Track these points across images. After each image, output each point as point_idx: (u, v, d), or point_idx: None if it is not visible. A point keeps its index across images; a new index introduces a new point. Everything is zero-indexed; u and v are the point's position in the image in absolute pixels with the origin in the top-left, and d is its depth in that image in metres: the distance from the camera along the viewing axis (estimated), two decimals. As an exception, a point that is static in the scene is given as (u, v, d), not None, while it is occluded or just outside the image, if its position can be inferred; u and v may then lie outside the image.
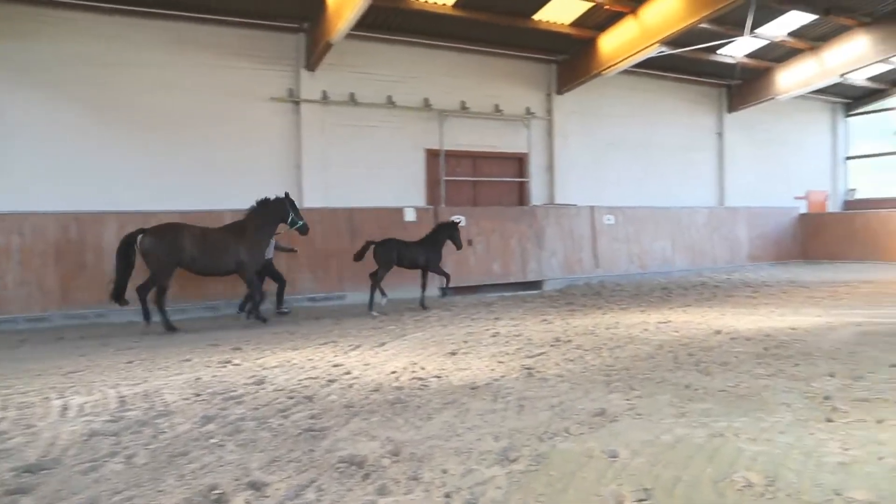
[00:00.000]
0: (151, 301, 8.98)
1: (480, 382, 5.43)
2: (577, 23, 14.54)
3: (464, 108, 15.25)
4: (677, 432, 4.02)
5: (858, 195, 22.86)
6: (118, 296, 8.85)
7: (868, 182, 22.94)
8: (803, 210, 20.91)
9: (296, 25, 13.32)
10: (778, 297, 11.13)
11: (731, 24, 14.97)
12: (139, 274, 9.05)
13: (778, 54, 17.79)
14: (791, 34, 16.39)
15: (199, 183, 12.55)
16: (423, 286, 11.07)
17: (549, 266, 13.99)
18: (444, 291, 12.64)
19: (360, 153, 14.17)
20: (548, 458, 3.65)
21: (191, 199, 11.99)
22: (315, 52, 12.80)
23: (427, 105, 14.83)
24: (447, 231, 10.97)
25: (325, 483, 3.38)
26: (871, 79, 20.26)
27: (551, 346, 7.04)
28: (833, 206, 22.58)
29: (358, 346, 7.32)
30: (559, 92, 16.40)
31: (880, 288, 12.06)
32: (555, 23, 14.40)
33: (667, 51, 15.01)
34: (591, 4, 13.62)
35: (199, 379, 5.80)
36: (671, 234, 16.57)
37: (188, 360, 6.69)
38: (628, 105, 17.89)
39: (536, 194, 16.20)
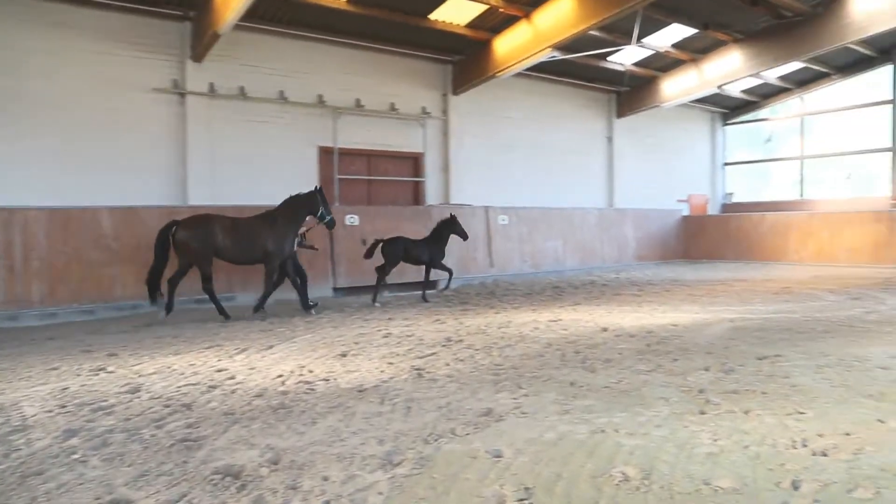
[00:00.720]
0: (172, 291, 9.37)
1: (369, 384, 5.31)
2: (473, 24, 14.66)
3: (359, 105, 15.04)
4: (560, 429, 4.06)
5: (735, 199, 24.40)
6: (152, 285, 9.19)
7: (743, 186, 24.55)
8: (685, 212, 22.08)
9: (181, 13, 12.66)
10: (661, 295, 11.63)
11: (619, 33, 15.56)
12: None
13: (663, 64, 18.67)
14: (674, 46, 17.25)
15: (69, 176, 11.70)
16: (426, 281, 11.70)
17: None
18: (334, 291, 12.45)
19: (250, 149, 13.67)
20: (432, 460, 3.59)
21: (59, 194, 11.18)
22: (202, 43, 12.22)
23: (321, 102, 14.51)
24: (448, 227, 11.54)
25: (196, 497, 3.18)
26: (745, 91, 21.70)
27: (443, 346, 7.01)
28: (712, 209, 23.98)
29: (244, 350, 7.02)
30: (455, 92, 16.49)
31: (752, 286, 12.85)
32: (451, 23, 14.46)
33: (559, 56, 15.40)
34: (486, 7, 13.76)
35: (65, 389, 5.35)
36: (563, 234, 17.03)
37: (55, 369, 6.17)
38: (523, 108, 18.25)
39: (432, 194, 16.23)
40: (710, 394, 4.78)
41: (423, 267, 11.74)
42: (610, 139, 20.45)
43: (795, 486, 3.14)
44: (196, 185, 12.84)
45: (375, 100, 15.32)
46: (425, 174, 16.19)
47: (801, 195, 22.47)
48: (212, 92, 13.09)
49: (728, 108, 23.78)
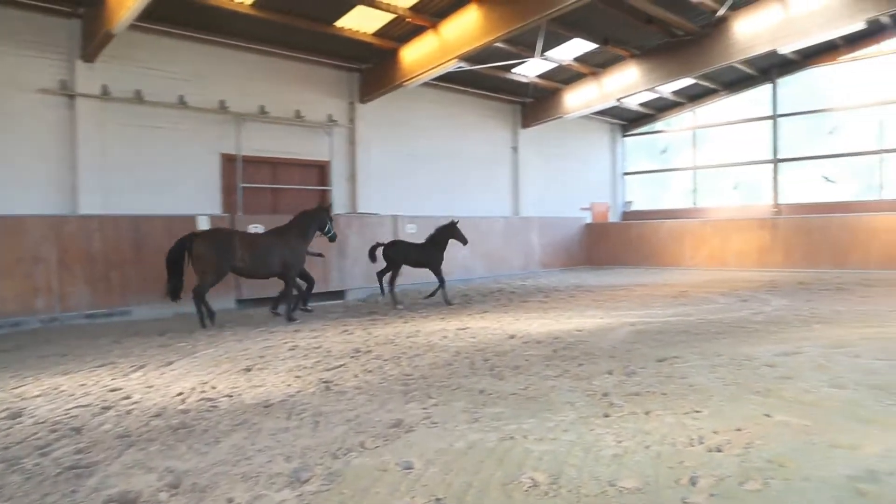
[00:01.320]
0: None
1: (275, 399, 5.16)
2: (380, 33, 14.64)
3: (263, 112, 14.67)
4: (470, 438, 4.07)
5: (634, 207, 25.46)
6: (175, 295, 9.38)
7: (642, 195, 25.66)
8: (588, 220, 22.81)
9: (69, 10, 11.92)
10: (566, 301, 11.94)
11: (524, 46, 15.93)
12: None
13: (566, 77, 19.27)
14: (576, 59, 17.85)
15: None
16: (439, 283, 12.12)
17: (351, 275, 13.85)
18: (238, 304, 12.08)
19: (147, 156, 13.02)
20: (341, 475, 3.52)
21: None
22: (93, 42, 11.56)
23: (223, 108, 14.05)
24: (448, 232, 12.07)
25: (86, 528, 2.97)
26: (643, 104, 22.74)
27: (351, 357, 6.91)
28: (613, 217, 24.92)
29: (141, 367, 6.66)
30: (362, 101, 16.39)
31: (651, 290, 13.41)
32: (357, 31, 14.37)
33: (466, 66, 15.61)
34: (392, 16, 13.77)
35: (-67, 417, 4.91)
36: (471, 242, 17.16)
37: (-79, 394, 5.65)
38: (431, 117, 18.36)
39: (339, 203, 16.01)
40: (614, 397, 4.92)
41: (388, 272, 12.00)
42: (515, 149, 20.89)
43: (693, 482, 3.27)
44: (87, 194, 12.11)
45: (280, 107, 14.99)
46: (332, 183, 15.97)
47: (695, 203, 23.71)
48: (105, 94, 12.40)
49: (627, 121, 24.82)
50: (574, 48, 17.15)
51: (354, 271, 13.89)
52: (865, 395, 4.78)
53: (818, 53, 20.07)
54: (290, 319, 10.11)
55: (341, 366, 6.45)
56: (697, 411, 4.47)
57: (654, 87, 19.07)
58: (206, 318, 9.52)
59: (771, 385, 5.11)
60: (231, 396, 5.31)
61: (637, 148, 25.66)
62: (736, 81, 21.77)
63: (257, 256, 9.76)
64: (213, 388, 5.64)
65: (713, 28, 16.33)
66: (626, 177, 25.71)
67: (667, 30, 16.52)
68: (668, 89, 21.15)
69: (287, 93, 15.15)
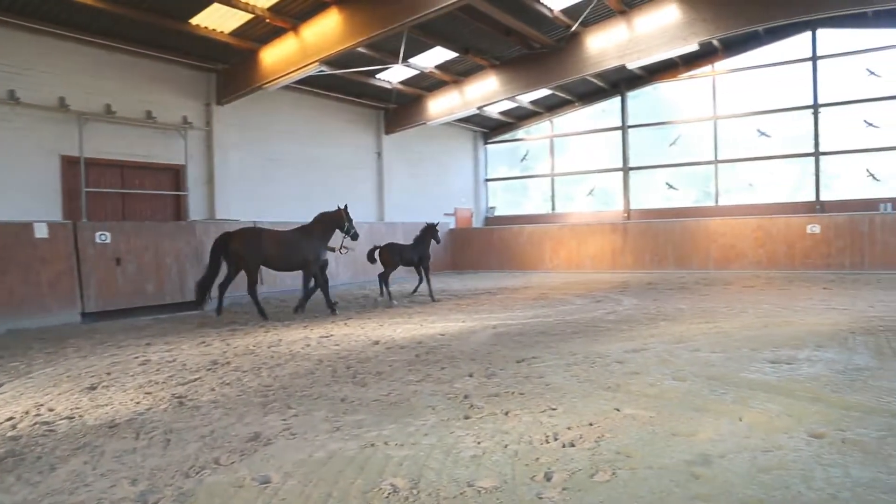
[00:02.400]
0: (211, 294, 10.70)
1: (122, 419, 4.81)
2: (238, 33, 14.13)
3: (110, 112, 13.70)
4: (330, 447, 4.00)
5: (497, 212, 26.24)
6: (204, 290, 10.56)
7: (504, 201, 26.50)
8: (452, 225, 23.24)
9: None
10: (431, 306, 12.08)
11: (387, 52, 15.99)
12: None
13: (428, 84, 19.54)
14: (438, 67, 18.14)
15: None
16: (426, 280, 13.37)
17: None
18: (83, 317, 11.20)
19: (-30, 157, 11.81)
20: (193, 494, 3.33)
21: None
22: None
23: (63, 105, 12.96)
24: (429, 233, 13.39)
25: None
26: (503, 113, 23.49)
27: (208, 370, 6.59)
28: (476, 222, 25.53)
29: (-37, 391, 5.99)
30: (220, 103, 15.74)
31: (513, 293, 13.86)
32: (214, 30, 13.79)
33: (328, 70, 15.43)
34: (251, 16, 13.34)
35: None
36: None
37: None
38: (294, 121, 17.96)
39: (195, 209, 15.27)
40: (475, 398, 5.02)
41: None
42: (379, 154, 20.90)
43: (548, 477, 3.40)
44: None
45: (130, 107, 14.07)
46: (187, 188, 15.18)
47: (553, 209, 24.80)
48: (-82, 88, 11.11)
49: (489, 128, 25.56)
50: (436, 56, 17.44)
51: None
52: (702, 385, 5.18)
53: (661, 70, 21.66)
54: (331, 309, 11.22)
55: (197, 379, 6.14)
56: (553, 409, 4.65)
57: (513, 97, 19.77)
58: (217, 312, 10.92)
59: (620, 380, 5.42)
60: (71, 418, 4.90)
61: (499, 155, 26.49)
62: (589, 93, 23.04)
63: (282, 252, 10.86)
64: (51, 410, 5.18)
65: (567, 42, 17.19)
66: (489, 183, 26.46)
67: (525, 42, 17.19)
68: (526, 99, 22.01)
69: (137, 92, 14.25)
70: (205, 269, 10.92)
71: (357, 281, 17.39)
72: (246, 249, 10.58)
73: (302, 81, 16.34)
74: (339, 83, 17.99)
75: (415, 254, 13.20)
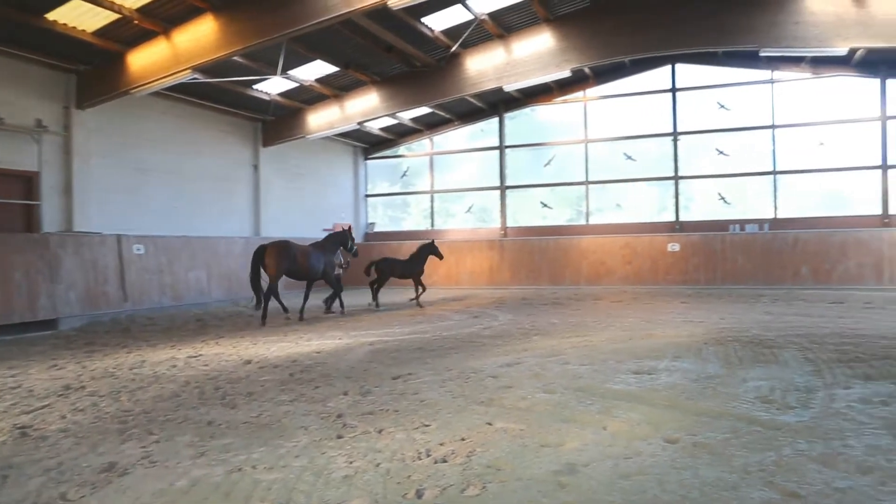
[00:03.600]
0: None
1: (-49, 453, 4.33)
2: (103, 33, 13.26)
3: (-50, 112, 12.46)
4: (194, 474, 3.79)
5: (377, 228, 26.13)
6: (258, 293, 12.02)
7: (384, 217, 26.45)
8: (332, 241, 22.91)
9: None
10: (307, 323, 11.84)
11: (265, 63, 15.60)
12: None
13: (308, 97, 19.23)
14: (318, 80, 17.90)
15: None
16: (417, 291, 15.05)
17: (65, 302, 12.27)
18: None
19: None
20: (33, 535, 3.04)
21: None
22: None
23: None
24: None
25: None
26: (384, 129, 23.52)
27: (59, 395, 6.08)
28: (356, 238, 25.27)
29: None
30: (81, 106, 14.67)
31: (390, 310, 13.82)
32: (74, 28, 12.87)
33: (201, 78, 14.83)
34: (117, 16, 12.57)
35: None
36: (207, 263, 16.32)
37: None
38: (165, 130, 17.06)
39: (50, 220, 14.06)
40: (348, 417, 4.94)
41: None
42: (256, 167, 20.28)
43: (419, 494, 3.39)
44: None
45: (-28, 107, 12.85)
46: (41, 197, 13.99)
47: (432, 225, 25.03)
48: None
49: (369, 144, 25.48)
50: (316, 69, 17.21)
51: (70, 297, 12.35)
52: (570, 397, 5.37)
53: (537, 94, 22.50)
54: (341, 311, 13.66)
55: (45, 406, 5.64)
56: (426, 425, 4.65)
57: (394, 114, 19.84)
58: (283, 309, 13.02)
59: (493, 395, 5.52)
60: None
61: (380, 171, 26.45)
62: (469, 113, 23.53)
63: (308, 263, 12.78)
64: None
65: (448, 62, 17.49)
66: (369, 198, 26.34)
67: (406, 60, 17.32)
68: (407, 116, 22.16)
69: (-18, 91, 13.04)
70: (249, 275, 12.44)
71: (231, 297, 16.75)
72: (278, 258, 12.34)
73: (174, 88, 15.59)
74: (215, 92, 17.33)
75: (406, 268, 14.84)
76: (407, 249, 20.27)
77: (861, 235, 16.60)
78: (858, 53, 17.59)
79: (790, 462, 3.73)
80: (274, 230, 20.24)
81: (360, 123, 19.68)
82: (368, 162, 26.14)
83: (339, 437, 4.45)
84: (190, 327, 11.54)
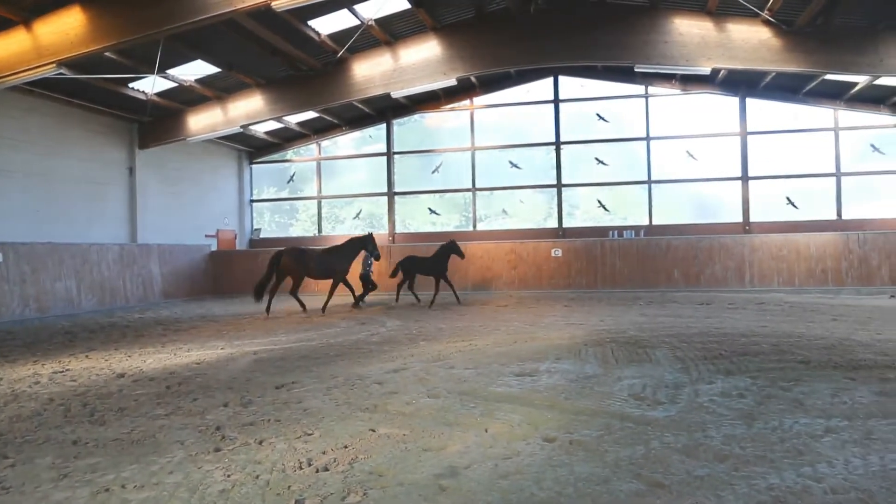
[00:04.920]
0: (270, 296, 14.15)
1: None
2: (-48, 22, 12.21)
3: None
4: (55, 498, 3.55)
5: (263, 234, 25.42)
6: (260, 294, 14.02)
7: (271, 223, 25.78)
8: (214, 247, 22.10)
9: None
10: (188, 333, 11.31)
11: (141, 60, 14.88)
12: None
13: (189, 98, 18.46)
14: (199, 81, 17.22)
15: None
16: (436, 291, 15.50)
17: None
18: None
19: None
20: None
21: None
22: None
23: None
24: (449, 249, 15.30)
25: None
26: (269, 133, 22.96)
27: None
28: (241, 244, 24.51)
29: None
30: (-72, 101, 13.44)
31: (276, 318, 13.49)
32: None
33: (69, 74, 13.88)
34: (-30, 4, 11.61)
35: None
36: (77, 272, 15.30)
37: None
38: (26, 128, 15.83)
39: None
40: (228, 429, 4.77)
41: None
42: (132, 170, 19.21)
43: (299, 504, 3.32)
44: None
45: None
46: None
47: (320, 232, 24.67)
48: None
49: (255, 148, 24.78)
50: (197, 69, 16.56)
51: None
52: (454, 401, 5.44)
53: (425, 101, 22.73)
54: (354, 305, 15.14)
55: None
56: (309, 434, 4.57)
57: (279, 117, 19.43)
58: (302, 306, 14.61)
59: (378, 401, 5.50)
60: None
61: (265, 175, 25.77)
62: (357, 119, 23.41)
63: (319, 266, 14.43)
64: None
65: (335, 67, 17.33)
66: (254, 204, 25.60)
67: (292, 63, 17.00)
68: (294, 120, 21.75)
69: None
70: (262, 276, 14.20)
71: (105, 308, 15.79)
72: (294, 262, 14.13)
73: (39, 84, 14.58)
74: (85, 90, 16.29)
75: (431, 267, 15.22)
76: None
77: (725, 241, 17.87)
78: (721, 73, 19.00)
79: (657, 454, 3.95)
80: (152, 236, 19.29)
81: (244, 127, 19.12)
82: (254, 166, 25.43)
83: (217, 450, 4.29)
84: (57, 341, 10.76)
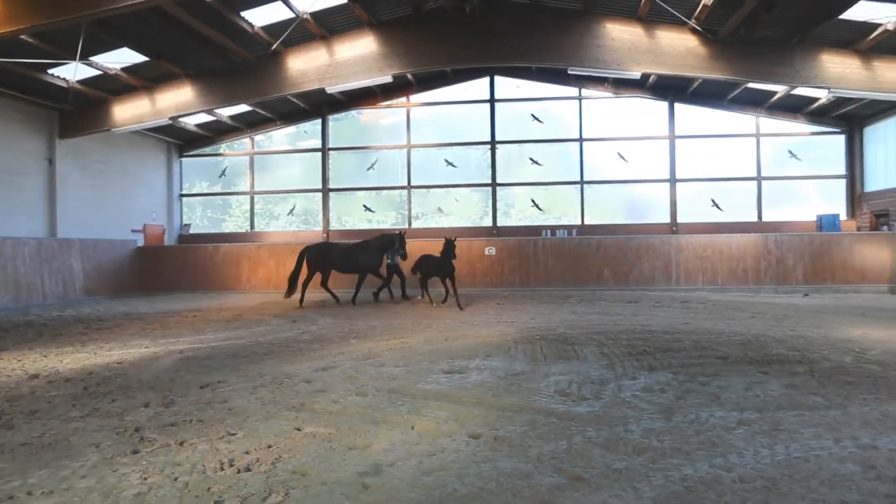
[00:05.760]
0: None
1: None
2: None
3: None
4: (-47, 507, 3.35)
5: (193, 230, 24.71)
6: (292, 286, 15.00)
7: (203, 218, 25.06)
8: (141, 243, 21.37)
9: None
10: (110, 332, 10.90)
11: (61, 46, 14.24)
12: None
13: (114, 87, 17.78)
14: (125, 70, 16.61)
15: None
16: (446, 289, 14.73)
17: None
18: None
19: None
20: None
21: None
22: None
23: None
24: (450, 247, 14.07)
25: None
26: (200, 126, 22.32)
27: None
28: (169, 240, 23.78)
29: None
30: None
31: (206, 315, 13.14)
32: None
33: (-18, 59, 13.19)
34: None
35: None
36: (-9, 267, 14.52)
37: None
38: (-66, 115, 14.96)
39: None
40: (147, 431, 4.62)
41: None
42: (52, 161, 18.36)
43: (218, 507, 3.25)
44: None
45: None
46: None
47: (253, 228, 24.19)
48: None
49: (185, 141, 24.06)
50: (122, 57, 15.95)
51: None
52: (382, 399, 5.42)
53: (361, 97, 22.57)
54: (378, 299, 15.58)
55: None
56: (232, 434, 4.48)
57: (210, 110, 18.92)
58: (335, 298, 15.14)
59: (305, 400, 5.43)
60: None
61: (196, 169, 25.05)
62: (291, 113, 23.03)
63: (345, 260, 14.99)
64: None
65: (269, 60, 17.00)
66: (185, 198, 24.88)
67: (224, 55, 16.58)
68: (226, 113, 21.25)
69: None
70: (293, 269, 15.12)
71: (20, 305, 15.05)
72: (320, 257, 15.03)
73: (-54, 68, 13.78)
74: (0, 74, 15.49)
75: (443, 268, 14.28)
76: (224, 253, 19.49)
77: (653, 241, 18.38)
78: (651, 78, 19.53)
79: (579, 449, 4.04)
80: (74, 230, 18.51)
81: (173, 119, 18.54)
82: (184, 160, 24.72)
83: (135, 452, 4.15)
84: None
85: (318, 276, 15.54)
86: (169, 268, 19.96)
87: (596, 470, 3.68)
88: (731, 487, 3.42)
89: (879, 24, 14.13)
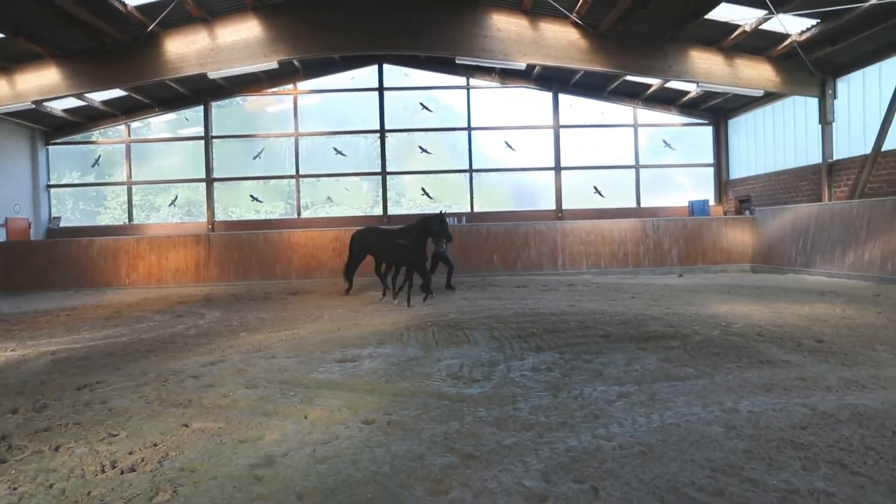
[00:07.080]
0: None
1: None
2: None
3: None
4: None
5: (64, 223, 23.05)
6: (350, 276, 14.29)
7: (75, 210, 23.43)
8: (3, 238, 19.77)
9: None
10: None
11: None
12: None
13: (-34, 68, 16.30)
14: (-20, 48, 15.25)
15: None
16: (448, 277, 14.53)
17: None
18: None
19: None
20: None
21: None
22: None
23: None
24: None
25: None
26: (69, 111, 20.81)
27: None
28: (36, 235, 22.11)
29: None
30: None
31: (81, 313, 12.36)
32: None
33: None
34: None
35: None
36: None
37: None
38: None
39: None
40: (16, 438, 4.32)
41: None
42: None
43: (101, 511, 3.10)
44: None
45: None
46: None
47: (131, 220, 22.93)
48: None
49: (52, 127, 22.37)
50: (-21, 35, 14.65)
51: None
52: (274, 390, 5.33)
53: (247, 84, 21.83)
54: (429, 294, 12.77)
55: None
56: (114, 435, 4.27)
57: (80, 94, 17.74)
58: (385, 289, 13.15)
59: (193, 395, 5.25)
60: None
61: (66, 158, 23.35)
62: (171, 99, 21.94)
63: (393, 253, 12.98)
64: None
65: (145, 42, 16.10)
66: (53, 190, 23.17)
67: (94, 35, 15.54)
68: (98, 98, 19.93)
69: None
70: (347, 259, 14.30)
71: None
72: (354, 243, 14.03)
73: None
74: None
75: (446, 258, 14.39)
76: (99, 247, 18.41)
77: (540, 227, 18.98)
78: (536, 69, 20.09)
79: (470, 428, 4.15)
80: (-78, 226, 16.83)
81: (36, 103, 17.22)
82: (52, 148, 23.01)
83: (3, 461, 3.87)
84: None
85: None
86: (37, 264, 18.56)
87: (487, 447, 3.80)
88: (612, 455, 3.64)
89: (739, 26, 15.22)
